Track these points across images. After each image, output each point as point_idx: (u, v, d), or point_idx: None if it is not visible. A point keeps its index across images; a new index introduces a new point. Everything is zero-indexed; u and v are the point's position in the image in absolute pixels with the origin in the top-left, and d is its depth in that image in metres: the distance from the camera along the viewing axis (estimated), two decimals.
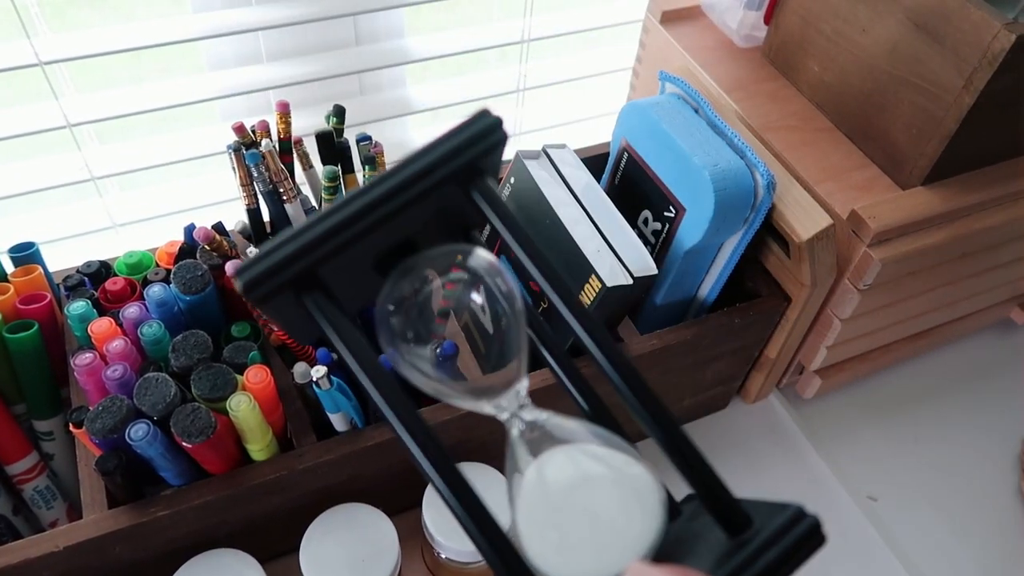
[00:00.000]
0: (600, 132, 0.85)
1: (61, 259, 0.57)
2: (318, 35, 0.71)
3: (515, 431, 0.28)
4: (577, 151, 0.63)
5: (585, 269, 0.50)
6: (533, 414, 0.28)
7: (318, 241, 0.25)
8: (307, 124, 0.72)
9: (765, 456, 0.66)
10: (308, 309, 0.27)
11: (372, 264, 0.29)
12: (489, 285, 0.28)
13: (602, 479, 0.26)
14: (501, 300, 0.28)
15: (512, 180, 0.57)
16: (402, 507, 0.54)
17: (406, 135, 0.83)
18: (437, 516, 0.49)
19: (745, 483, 0.65)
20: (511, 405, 0.28)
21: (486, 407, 0.29)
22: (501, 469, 0.52)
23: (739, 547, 0.24)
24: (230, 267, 0.44)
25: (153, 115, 0.66)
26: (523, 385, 0.29)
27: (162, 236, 0.56)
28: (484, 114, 0.27)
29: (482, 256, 0.29)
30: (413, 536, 0.53)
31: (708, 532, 0.26)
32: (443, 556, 0.50)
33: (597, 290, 0.50)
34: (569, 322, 0.27)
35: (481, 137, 0.27)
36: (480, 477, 0.51)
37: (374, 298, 0.28)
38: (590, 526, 0.25)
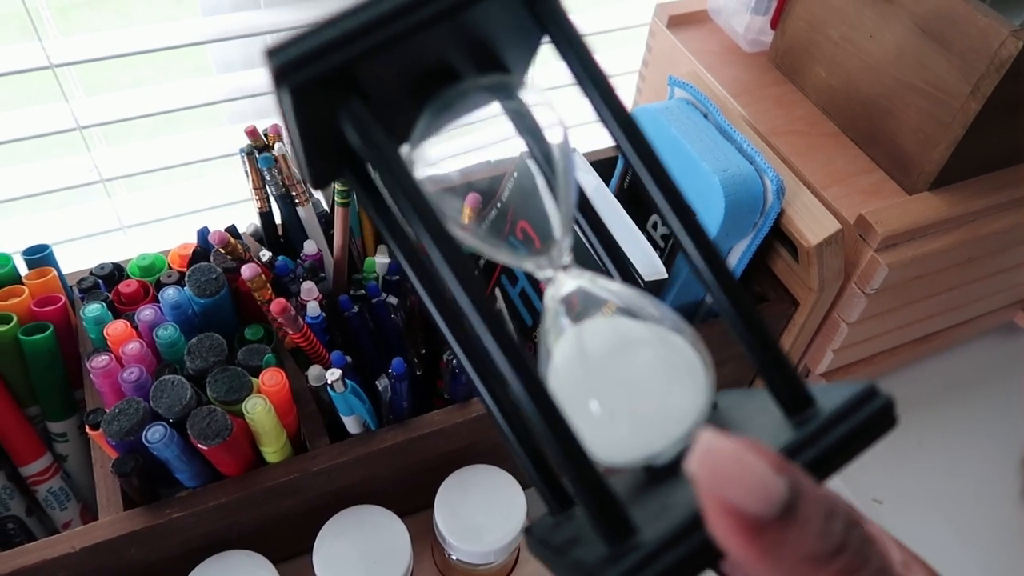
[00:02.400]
0: (606, 136, 0.86)
1: (70, 261, 0.57)
2: None
3: (554, 292, 0.25)
4: (586, 154, 0.64)
5: None
6: (575, 275, 0.25)
7: (364, 29, 0.21)
8: None
9: None
10: (342, 118, 0.22)
11: (409, 89, 0.24)
12: (534, 126, 0.25)
13: (648, 346, 0.24)
14: (546, 144, 0.25)
15: (515, 175, 0.57)
16: (414, 508, 0.54)
17: None
18: (449, 517, 0.49)
19: None
20: (554, 262, 0.25)
21: (526, 263, 0.26)
22: (511, 470, 0.52)
23: (800, 424, 0.21)
24: (246, 270, 0.44)
25: (161, 117, 0.66)
26: (566, 242, 0.26)
27: (170, 238, 0.56)
28: None
29: (529, 92, 0.25)
30: (424, 537, 0.53)
31: (761, 415, 0.23)
32: (454, 558, 0.50)
33: None
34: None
35: None
36: (492, 479, 0.51)
37: (407, 133, 0.25)
38: (632, 396, 0.23)
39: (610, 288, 0.25)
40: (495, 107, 0.25)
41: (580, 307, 0.25)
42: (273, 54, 0.20)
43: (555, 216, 0.25)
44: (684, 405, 0.23)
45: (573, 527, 0.22)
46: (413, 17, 0.21)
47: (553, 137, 0.25)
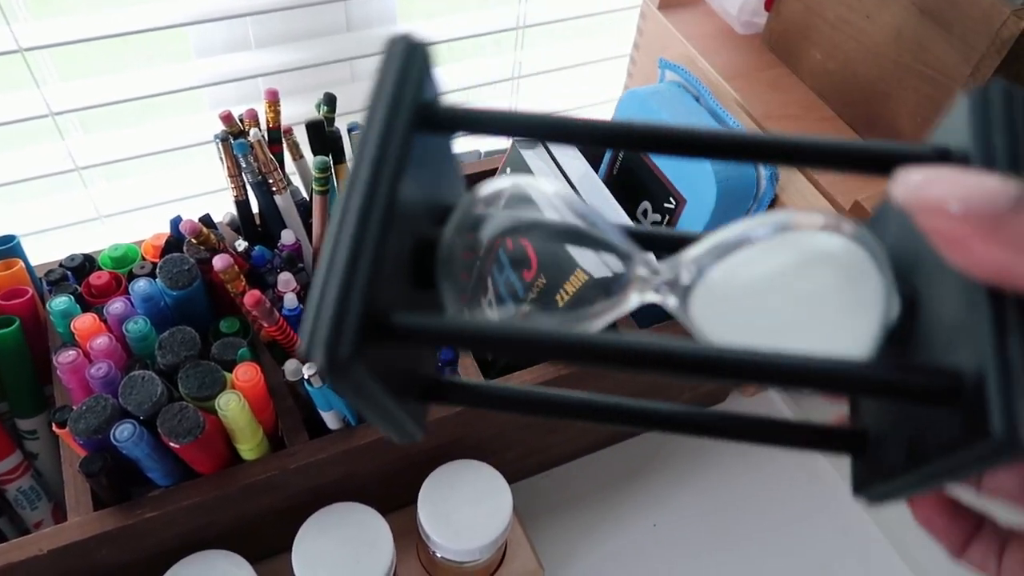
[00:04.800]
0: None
1: (45, 252, 0.55)
2: (308, 21, 0.70)
3: (676, 301, 0.23)
4: None
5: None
6: (690, 264, 0.23)
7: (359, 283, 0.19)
8: (298, 112, 0.71)
9: (764, 451, 0.65)
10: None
11: (410, 282, 0.23)
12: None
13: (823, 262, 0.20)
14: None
15: (508, 170, 0.56)
16: (396, 505, 0.53)
17: None
18: (432, 514, 0.48)
19: (743, 478, 0.64)
20: (652, 282, 0.23)
21: (647, 296, 0.23)
22: (497, 466, 0.51)
23: None
24: (218, 261, 0.42)
25: (139, 103, 0.64)
26: (645, 258, 0.23)
27: (150, 227, 0.54)
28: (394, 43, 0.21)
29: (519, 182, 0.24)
30: (408, 535, 0.52)
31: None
32: (439, 555, 0.49)
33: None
34: None
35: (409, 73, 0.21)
36: (476, 474, 0.50)
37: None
38: (798, 318, 0.20)
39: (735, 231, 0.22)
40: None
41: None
42: (330, 353, 0.18)
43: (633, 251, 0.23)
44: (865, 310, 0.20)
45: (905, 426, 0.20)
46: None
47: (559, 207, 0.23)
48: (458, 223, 0.23)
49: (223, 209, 0.55)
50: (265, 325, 0.44)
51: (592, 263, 0.48)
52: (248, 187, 0.51)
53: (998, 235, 0.16)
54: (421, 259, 0.23)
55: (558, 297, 0.50)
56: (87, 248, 0.53)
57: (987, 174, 0.17)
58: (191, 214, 0.49)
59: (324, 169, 0.48)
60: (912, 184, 0.18)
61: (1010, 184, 0.17)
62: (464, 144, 0.81)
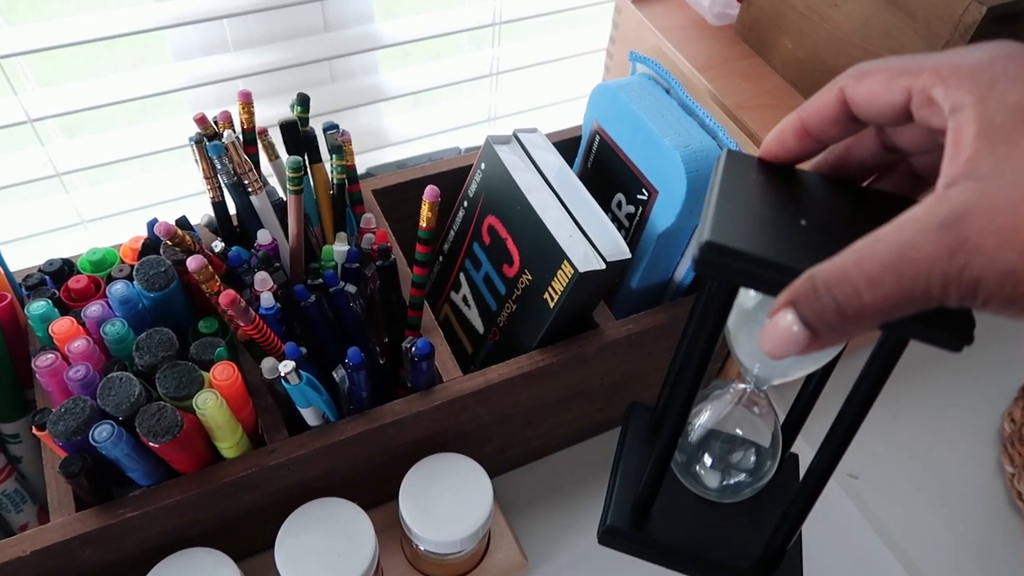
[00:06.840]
0: (576, 115, 0.84)
1: (29, 258, 0.55)
2: (285, 22, 0.70)
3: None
4: (550, 135, 0.62)
5: (557, 255, 0.50)
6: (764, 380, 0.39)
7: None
8: (277, 114, 0.71)
9: None
10: None
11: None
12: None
13: None
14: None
15: (482, 166, 0.56)
16: (380, 500, 0.53)
17: (380, 122, 0.82)
18: (413, 508, 0.49)
19: None
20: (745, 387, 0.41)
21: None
22: (478, 459, 0.51)
23: None
24: (192, 262, 0.43)
25: (120, 108, 0.65)
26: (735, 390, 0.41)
27: (134, 231, 0.54)
28: None
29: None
30: (392, 529, 0.52)
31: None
32: (421, 548, 0.50)
33: (570, 276, 0.49)
34: None
35: None
36: (457, 467, 0.51)
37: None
38: None
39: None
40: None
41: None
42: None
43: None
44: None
45: None
46: None
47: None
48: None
49: (207, 211, 0.55)
50: (242, 324, 0.44)
51: (580, 256, 0.49)
52: (224, 188, 0.51)
53: (815, 341, 0.26)
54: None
55: (546, 296, 0.51)
56: (70, 253, 0.53)
57: (785, 318, 0.26)
58: (175, 216, 0.50)
59: (297, 169, 0.48)
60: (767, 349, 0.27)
61: (793, 322, 0.26)
62: (444, 141, 0.81)
